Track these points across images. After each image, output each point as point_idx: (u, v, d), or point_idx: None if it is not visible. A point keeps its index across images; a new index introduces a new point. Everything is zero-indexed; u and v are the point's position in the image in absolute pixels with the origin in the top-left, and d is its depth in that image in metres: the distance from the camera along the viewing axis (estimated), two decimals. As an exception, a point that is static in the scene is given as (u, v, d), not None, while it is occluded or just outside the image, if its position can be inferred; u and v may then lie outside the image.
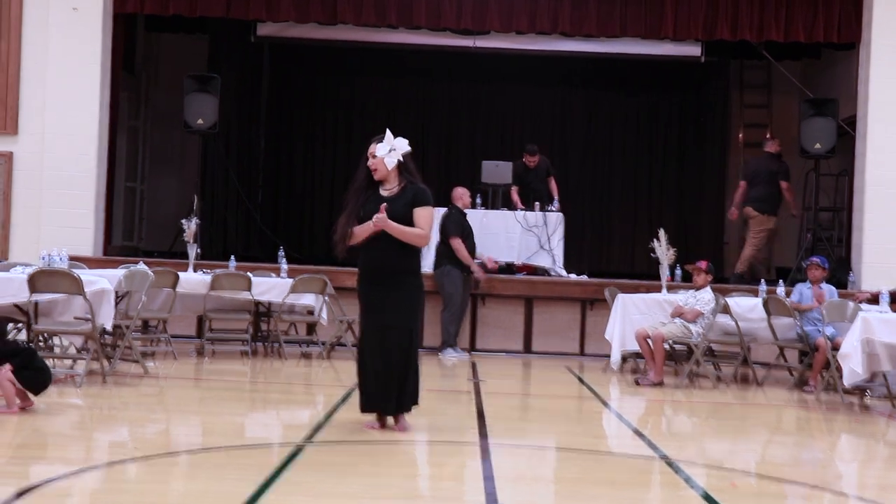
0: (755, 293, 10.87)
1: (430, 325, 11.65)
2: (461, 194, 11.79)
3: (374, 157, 6.41)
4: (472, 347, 12.11)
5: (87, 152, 12.63)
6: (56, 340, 9.16)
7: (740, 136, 16.99)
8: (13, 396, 6.51)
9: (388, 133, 6.48)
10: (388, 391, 6.30)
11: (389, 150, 6.41)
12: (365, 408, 6.41)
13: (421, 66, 16.60)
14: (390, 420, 6.42)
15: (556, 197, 13.19)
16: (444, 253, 11.48)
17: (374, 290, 6.33)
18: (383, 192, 6.44)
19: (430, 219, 6.44)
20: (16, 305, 8.32)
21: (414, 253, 6.39)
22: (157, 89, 16.20)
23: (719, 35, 13.20)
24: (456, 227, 11.48)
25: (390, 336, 6.28)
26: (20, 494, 4.52)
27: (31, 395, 6.58)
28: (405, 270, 6.36)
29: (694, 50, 14.16)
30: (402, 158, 6.44)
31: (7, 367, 6.45)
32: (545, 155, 13.84)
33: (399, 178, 6.47)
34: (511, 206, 13.08)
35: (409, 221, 6.32)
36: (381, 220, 6.21)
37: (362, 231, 6.32)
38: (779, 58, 14.85)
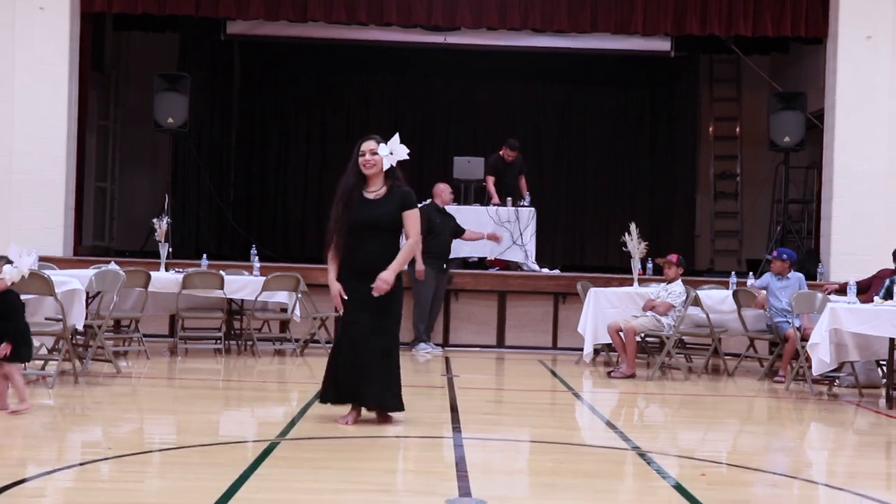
0: (726, 286, 10.97)
1: (404, 320, 11.65)
2: (440, 191, 11.83)
3: (374, 154, 6.47)
4: (445, 342, 12.14)
5: (57, 152, 12.56)
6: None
7: (710, 129, 17.11)
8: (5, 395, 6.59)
9: (396, 137, 6.56)
10: (364, 383, 6.37)
11: (390, 153, 6.49)
12: (337, 399, 6.49)
13: (393, 63, 16.59)
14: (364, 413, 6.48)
15: (525, 195, 13.23)
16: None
17: (358, 287, 6.37)
18: (368, 195, 6.51)
19: (417, 222, 6.58)
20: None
21: (395, 253, 6.45)
22: (127, 88, 16.11)
23: (688, 30, 13.29)
24: (423, 222, 11.48)
25: (371, 334, 6.37)
26: (-7, 495, 4.52)
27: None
28: (384, 266, 6.40)
29: (664, 45, 14.25)
30: (394, 164, 6.52)
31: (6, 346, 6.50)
32: (519, 150, 13.88)
33: (384, 180, 6.54)
34: (486, 200, 13.09)
35: (395, 223, 6.46)
36: (381, 290, 6.32)
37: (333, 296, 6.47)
38: (747, 52, 14.97)
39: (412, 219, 6.51)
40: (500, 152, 13.41)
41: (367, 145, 6.51)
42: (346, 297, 6.38)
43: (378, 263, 6.37)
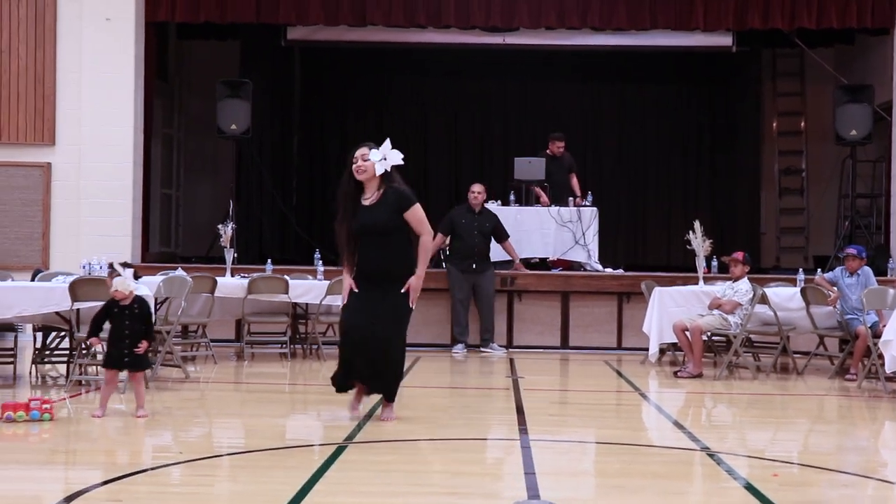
0: (793, 283, 10.80)
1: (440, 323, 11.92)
2: (470, 191, 11.89)
3: (366, 160, 6.53)
4: (509, 344, 12.13)
5: (123, 161, 12.78)
6: (98, 348, 9.26)
7: (774, 125, 16.87)
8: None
9: (388, 142, 6.62)
10: (373, 374, 6.65)
11: (382, 159, 6.55)
12: (346, 381, 6.71)
13: (451, 65, 16.60)
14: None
15: (578, 194, 13.13)
16: (444, 250, 11.77)
17: (371, 288, 6.53)
18: (364, 202, 6.61)
19: (422, 216, 6.60)
20: (58, 314, 8.44)
21: (408, 256, 6.57)
22: (190, 96, 16.34)
23: (750, 24, 13.13)
24: (444, 223, 11.75)
25: (381, 333, 6.53)
26: (68, 500, 4.59)
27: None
28: (400, 274, 6.57)
29: (725, 40, 14.08)
30: (388, 170, 6.58)
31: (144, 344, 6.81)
32: (578, 150, 13.81)
33: (379, 186, 6.61)
34: (533, 201, 13.04)
35: (395, 226, 6.52)
36: (415, 299, 6.57)
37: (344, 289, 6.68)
38: (811, 45, 14.72)
39: (415, 217, 6.56)
40: (547, 149, 13.35)
41: (359, 151, 6.60)
42: (356, 290, 6.54)
43: (383, 266, 6.52)
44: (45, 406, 6.59)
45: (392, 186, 6.59)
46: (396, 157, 6.57)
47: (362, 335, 6.51)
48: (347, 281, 6.63)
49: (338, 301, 10.75)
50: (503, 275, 11.96)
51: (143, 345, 6.86)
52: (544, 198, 12.98)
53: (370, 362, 6.59)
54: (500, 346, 11.80)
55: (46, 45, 12.79)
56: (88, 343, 6.86)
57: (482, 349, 11.62)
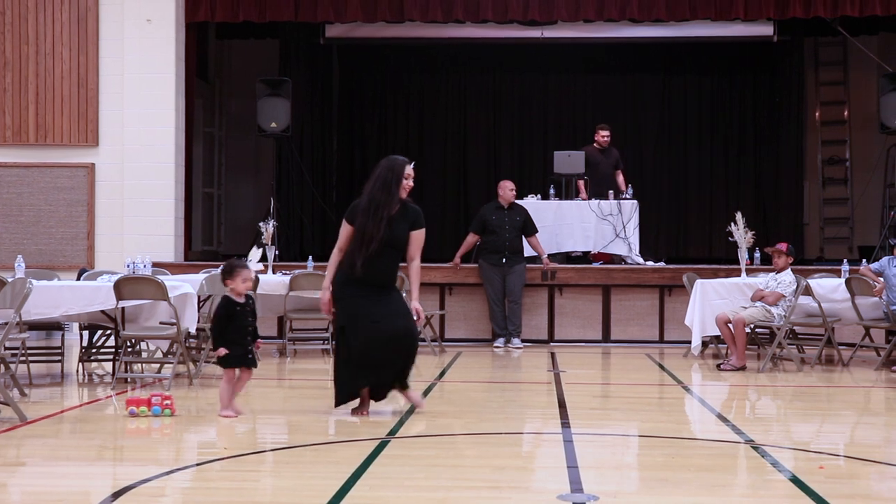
0: (837, 274, 10.69)
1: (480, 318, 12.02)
2: (500, 187, 11.90)
3: (411, 178, 6.80)
4: (550, 338, 12.12)
5: (166, 160, 12.90)
6: (143, 345, 9.38)
7: (817, 114, 16.68)
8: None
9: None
10: (386, 371, 6.69)
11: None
12: (349, 398, 6.75)
13: (489, 60, 16.61)
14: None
15: (622, 189, 13.07)
16: (477, 246, 11.86)
17: (375, 295, 6.63)
18: (392, 212, 6.70)
19: (422, 242, 6.82)
20: (104, 312, 8.54)
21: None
22: (230, 95, 16.46)
23: (792, 13, 12.99)
24: (476, 222, 11.87)
25: (397, 334, 6.62)
26: (116, 495, 4.65)
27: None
28: (395, 282, 6.86)
29: (766, 29, 13.96)
30: None
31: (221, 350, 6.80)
32: (619, 142, 13.75)
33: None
34: (574, 195, 13.00)
35: (406, 241, 6.73)
36: (421, 313, 6.78)
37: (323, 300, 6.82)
38: (854, 33, 14.54)
39: (419, 239, 6.79)
40: (594, 141, 13.29)
41: (409, 170, 6.79)
42: (334, 309, 6.70)
43: (388, 277, 6.72)
44: (165, 402, 6.70)
45: (409, 203, 6.77)
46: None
47: (404, 337, 6.62)
48: (326, 295, 6.74)
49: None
50: (542, 269, 11.93)
51: (259, 341, 6.96)
52: (583, 193, 12.94)
53: (403, 363, 6.71)
54: (524, 340, 11.77)
55: (89, 47, 12.95)
56: (217, 354, 6.77)
57: (506, 344, 11.62)
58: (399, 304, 6.74)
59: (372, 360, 6.62)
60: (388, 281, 6.73)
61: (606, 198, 12.74)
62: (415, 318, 6.70)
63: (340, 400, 6.77)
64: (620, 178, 13.30)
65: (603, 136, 13.25)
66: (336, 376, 6.78)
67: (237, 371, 6.87)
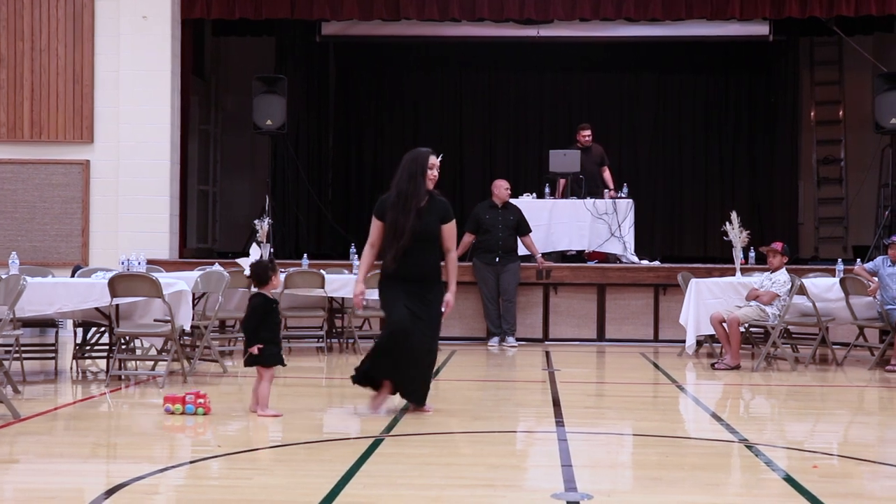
0: (832, 273, 10.70)
1: (475, 317, 12.07)
2: (495, 186, 11.89)
3: (436, 168, 6.81)
4: (545, 337, 12.12)
5: (161, 157, 12.88)
6: (137, 342, 9.37)
7: (812, 114, 16.70)
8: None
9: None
10: (408, 375, 6.71)
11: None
12: (370, 376, 6.76)
13: (485, 58, 16.60)
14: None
15: (611, 187, 13.07)
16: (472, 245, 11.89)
17: (410, 288, 6.62)
18: (420, 204, 6.73)
19: (455, 233, 6.90)
20: (98, 309, 8.53)
21: (438, 264, 6.82)
22: (226, 92, 16.44)
23: (787, 13, 13.00)
24: (470, 222, 11.86)
25: (423, 332, 6.61)
26: (109, 493, 4.65)
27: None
28: (434, 280, 6.78)
29: (762, 29, 13.97)
30: None
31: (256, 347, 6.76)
32: (614, 141, 13.75)
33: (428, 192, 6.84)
34: (559, 195, 12.99)
35: (438, 234, 6.74)
36: (450, 307, 6.77)
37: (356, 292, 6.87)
38: (850, 33, 14.55)
39: (451, 231, 6.81)
40: (576, 142, 13.30)
41: (433, 160, 6.82)
42: (366, 304, 6.72)
43: (424, 271, 6.69)
44: (199, 400, 6.70)
45: (437, 196, 6.78)
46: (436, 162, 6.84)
47: (417, 341, 6.59)
48: (360, 288, 6.77)
49: (374, 295, 10.83)
50: (537, 268, 11.93)
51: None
52: (559, 192, 12.96)
53: (414, 370, 6.68)
54: (519, 339, 11.77)
55: (84, 44, 12.93)
56: (252, 351, 6.74)
57: (500, 343, 11.62)
58: (430, 314, 6.65)
59: (384, 351, 6.65)
60: (425, 274, 6.68)
61: (601, 196, 12.74)
62: (442, 309, 6.67)
63: (356, 380, 6.82)
64: (607, 174, 13.31)
65: (584, 135, 13.28)
66: (367, 355, 6.84)
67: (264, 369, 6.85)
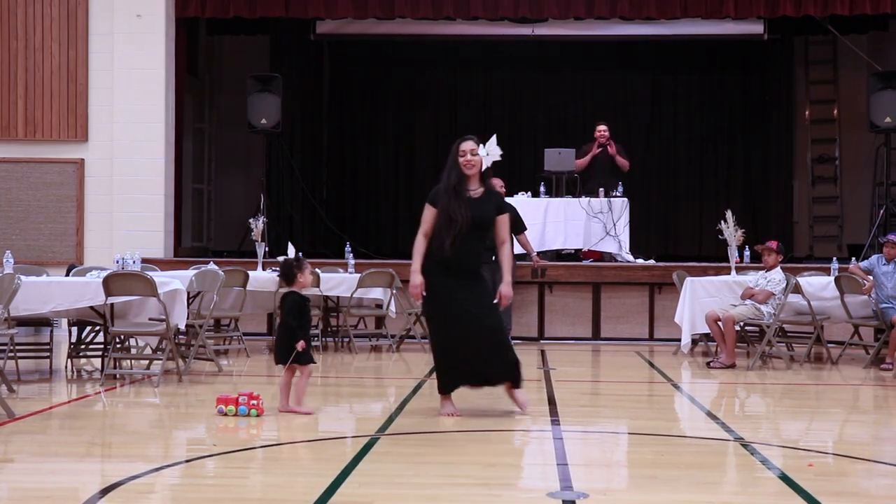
0: (827, 272, 10.71)
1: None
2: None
3: (475, 154, 6.64)
4: (540, 335, 12.12)
5: (155, 156, 12.87)
6: (132, 341, 9.35)
7: (807, 113, 16.72)
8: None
9: (494, 138, 6.73)
10: (486, 364, 6.65)
11: (486, 154, 6.65)
12: (458, 384, 6.75)
13: (479, 57, 16.61)
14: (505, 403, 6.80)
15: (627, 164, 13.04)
16: None
17: (460, 280, 6.58)
18: (470, 194, 6.67)
19: (508, 225, 6.87)
20: (93, 308, 8.51)
21: (487, 251, 6.87)
22: (221, 91, 16.42)
23: (782, 11, 13.02)
24: None
25: (482, 319, 6.59)
26: (104, 492, 4.64)
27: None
28: (479, 269, 6.78)
29: (756, 28, 13.99)
30: (489, 165, 6.71)
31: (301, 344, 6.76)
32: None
33: (480, 181, 6.73)
34: (577, 191, 12.99)
35: (492, 224, 6.71)
36: (506, 303, 6.77)
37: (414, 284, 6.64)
38: (844, 32, 14.57)
39: (506, 222, 6.78)
40: (594, 141, 13.22)
41: (467, 145, 6.67)
42: (425, 294, 6.58)
43: (473, 260, 6.66)
44: (252, 402, 6.67)
45: (490, 189, 6.75)
46: (497, 153, 6.70)
47: (475, 331, 6.56)
48: (418, 279, 6.59)
49: (370, 294, 10.88)
50: (532, 266, 11.92)
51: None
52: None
53: (488, 356, 6.63)
54: (514, 338, 11.74)
55: (79, 42, 12.91)
56: (297, 348, 6.74)
57: None
58: (478, 296, 6.63)
59: (450, 355, 6.64)
60: (472, 264, 6.66)
61: (596, 195, 12.72)
62: (495, 300, 6.65)
63: (440, 389, 6.80)
64: (618, 159, 13.21)
65: (601, 132, 13.18)
66: (435, 364, 6.82)
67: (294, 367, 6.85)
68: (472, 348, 6.59)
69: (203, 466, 5.32)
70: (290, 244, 7.40)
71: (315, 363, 6.99)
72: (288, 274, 6.95)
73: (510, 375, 6.73)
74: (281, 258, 7.20)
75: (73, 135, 12.91)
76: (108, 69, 12.89)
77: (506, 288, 6.73)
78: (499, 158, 6.69)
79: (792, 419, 7.26)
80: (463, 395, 7.86)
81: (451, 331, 6.64)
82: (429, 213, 6.67)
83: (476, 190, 6.67)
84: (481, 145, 6.66)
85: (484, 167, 6.65)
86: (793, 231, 16.16)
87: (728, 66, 16.71)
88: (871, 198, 14.66)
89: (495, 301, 6.70)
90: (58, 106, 12.92)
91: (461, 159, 6.63)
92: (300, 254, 7.20)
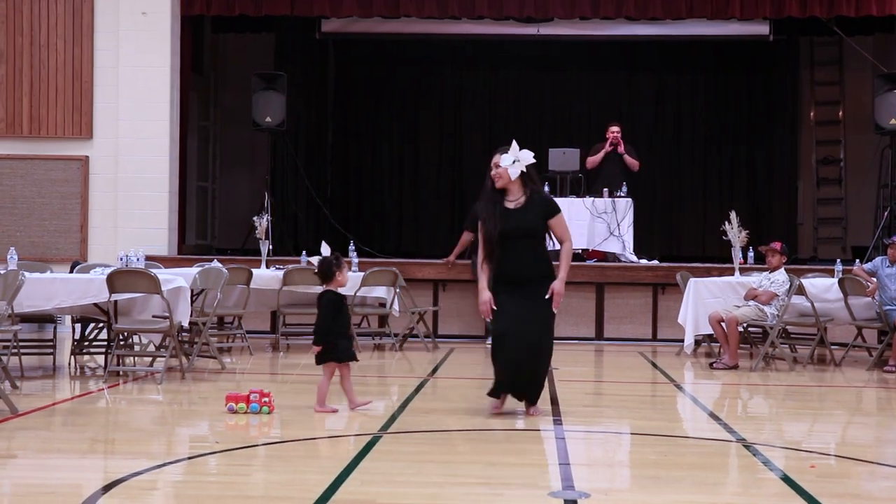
0: (831, 273, 10.70)
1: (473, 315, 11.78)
2: None
3: (499, 166, 6.64)
4: (543, 335, 12.09)
5: (160, 154, 12.88)
6: (136, 338, 9.36)
7: (812, 114, 16.70)
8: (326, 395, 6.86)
9: (514, 144, 6.73)
10: (530, 380, 6.65)
11: (514, 161, 6.64)
12: (506, 390, 6.74)
13: (485, 56, 16.59)
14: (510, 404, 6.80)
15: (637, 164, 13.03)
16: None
17: (515, 292, 6.54)
18: (508, 204, 6.67)
19: (566, 225, 6.84)
20: (96, 305, 8.53)
21: (546, 259, 6.71)
22: (226, 89, 16.43)
23: (788, 12, 13.01)
24: (469, 220, 11.69)
25: (536, 342, 6.53)
26: (106, 488, 4.65)
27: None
28: (540, 277, 6.63)
29: (762, 29, 13.97)
30: (525, 170, 6.66)
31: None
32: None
33: (523, 188, 6.69)
34: (581, 191, 12.98)
35: (538, 230, 6.64)
36: (558, 303, 6.60)
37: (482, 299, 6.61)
38: (850, 33, 14.55)
39: (561, 224, 6.74)
40: (607, 141, 13.18)
41: (495, 158, 6.70)
42: (495, 308, 6.54)
43: (526, 270, 6.57)
44: (263, 399, 6.68)
45: (537, 191, 6.75)
46: (528, 157, 6.67)
47: (516, 342, 6.51)
48: (486, 296, 6.58)
49: (373, 293, 10.89)
50: None
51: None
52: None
53: (526, 373, 6.61)
54: None
55: (84, 40, 12.92)
56: (322, 345, 6.82)
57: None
58: (536, 314, 6.54)
59: (503, 359, 6.61)
60: (524, 272, 6.56)
61: (619, 188, 12.71)
62: (546, 296, 6.54)
63: (491, 393, 6.81)
64: (628, 159, 13.20)
65: (612, 132, 13.17)
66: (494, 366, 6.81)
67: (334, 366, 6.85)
68: (510, 361, 6.56)
69: (205, 463, 5.33)
70: (324, 243, 7.37)
71: (356, 360, 6.96)
72: (327, 273, 6.96)
73: (532, 399, 6.74)
74: (315, 258, 7.17)
75: (77, 132, 12.93)
76: (113, 66, 12.90)
77: (558, 284, 6.59)
78: (532, 161, 6.65)
79: (795, 420, 7.26)
80: (464, 395, 7.87)
81: (498, 342, 6.64)
82: (479, 231, 6.72)
83: (517, 199, 6.64)
84: (505, 155, 6.62)
85: (514, 175, 6.58)
86: (797, 232, 16.14)
87: (733, 66, 16.67)
88: (875, 200, 14.64)
89: (547, 297, 6.54)
90: (63, 103, 12.94)
91: (491, 172, 6.66)
92: (338, 253, 7.17)
